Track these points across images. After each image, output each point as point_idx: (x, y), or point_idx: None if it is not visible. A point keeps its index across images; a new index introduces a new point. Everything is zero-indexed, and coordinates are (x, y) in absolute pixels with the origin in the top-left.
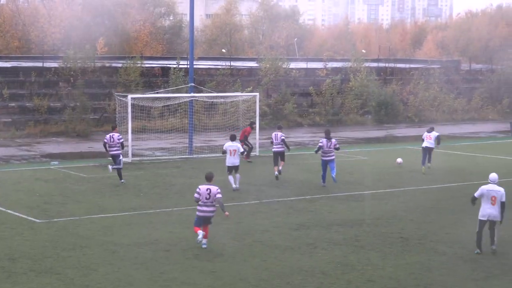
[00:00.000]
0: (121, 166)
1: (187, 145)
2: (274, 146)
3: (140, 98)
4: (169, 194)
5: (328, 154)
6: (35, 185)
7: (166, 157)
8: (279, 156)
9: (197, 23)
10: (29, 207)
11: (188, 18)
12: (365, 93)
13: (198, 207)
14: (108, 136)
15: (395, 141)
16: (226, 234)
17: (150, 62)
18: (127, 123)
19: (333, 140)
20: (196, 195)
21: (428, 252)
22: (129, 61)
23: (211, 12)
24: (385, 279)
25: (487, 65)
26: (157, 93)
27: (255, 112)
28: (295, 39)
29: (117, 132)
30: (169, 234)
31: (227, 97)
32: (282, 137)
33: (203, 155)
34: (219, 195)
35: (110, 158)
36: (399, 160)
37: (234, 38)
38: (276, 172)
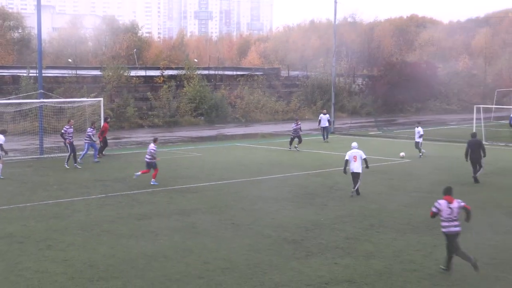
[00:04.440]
0: (73, 151)
1: (38, 146)
2: None
3: None
4: (22, 191)
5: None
6: None
7: (18, 158)
8: None
9: (45, 35)
10: None
11: (36, 31)
12: (198, 98)
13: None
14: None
15: (225, 139)
16: (77, 226)
17: (1, 71)
18: None
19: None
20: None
21: (257, 236)
22: None
23: (58, 26)
24: (220, 260)
25: (303, 72)
26: (9, 99)
27: (100, 116)
28: (135, 50)
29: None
30: (23, 227)
31: (74, 102)
32: None
33: (53, 155)
34: (152, 150)
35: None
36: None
37: (79, 49)
38: None
